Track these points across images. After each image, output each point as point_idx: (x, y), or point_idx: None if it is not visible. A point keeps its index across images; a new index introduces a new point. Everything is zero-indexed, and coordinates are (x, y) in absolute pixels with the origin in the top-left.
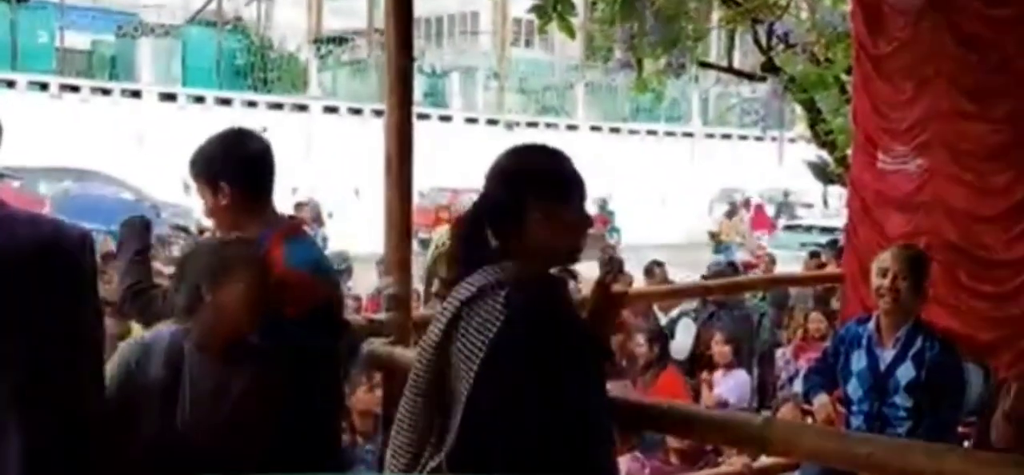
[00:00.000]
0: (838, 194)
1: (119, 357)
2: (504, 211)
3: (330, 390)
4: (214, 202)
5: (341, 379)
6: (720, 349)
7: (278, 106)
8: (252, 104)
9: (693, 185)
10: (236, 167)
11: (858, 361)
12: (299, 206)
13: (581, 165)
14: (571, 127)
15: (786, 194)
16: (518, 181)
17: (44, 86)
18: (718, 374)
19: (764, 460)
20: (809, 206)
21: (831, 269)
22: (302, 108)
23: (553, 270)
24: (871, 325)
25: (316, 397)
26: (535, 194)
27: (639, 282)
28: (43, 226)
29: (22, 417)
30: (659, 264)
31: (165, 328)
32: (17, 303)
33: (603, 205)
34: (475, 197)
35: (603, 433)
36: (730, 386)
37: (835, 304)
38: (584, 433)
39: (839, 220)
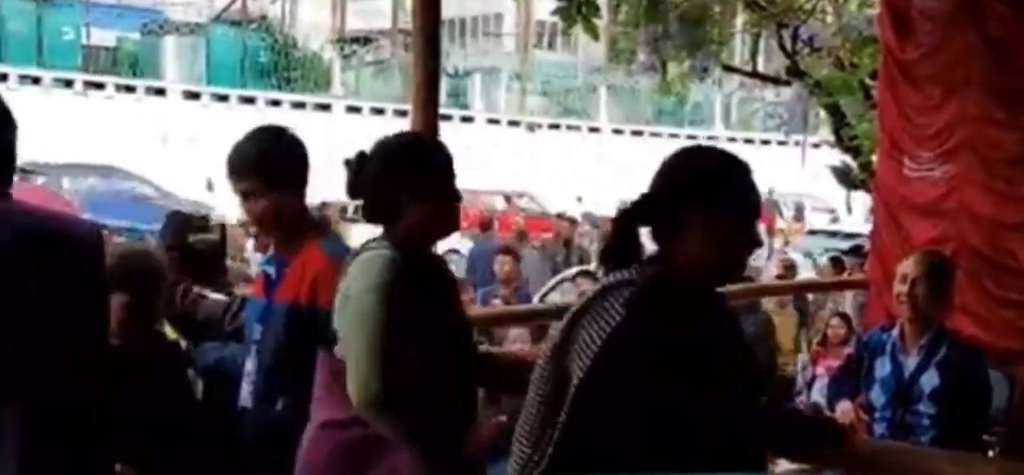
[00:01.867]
0: (862, 200)
1: None
2: (663, 214)
3: None
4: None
5: None
6: None
7: (301, 105)
8: (275, 103)
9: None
10: (270, 166)
11: (882, 368)
12: (324, 205)
13: (602, 167)
14: (593, 129)
15: (798, 206)
16: (684, 184)
17: (69, 83)
18: None
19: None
20: (831, 212)
21: (857, 275)
22: (325, 107)
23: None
24: (895, 332)
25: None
26: (700, 202)
27: None
28: (50, 222)
29: (22, 410)
30: None
31: None
32: (18, 297)
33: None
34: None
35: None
36: None
37: (847, 309)
38: (697, 450)
39: (862, 226)
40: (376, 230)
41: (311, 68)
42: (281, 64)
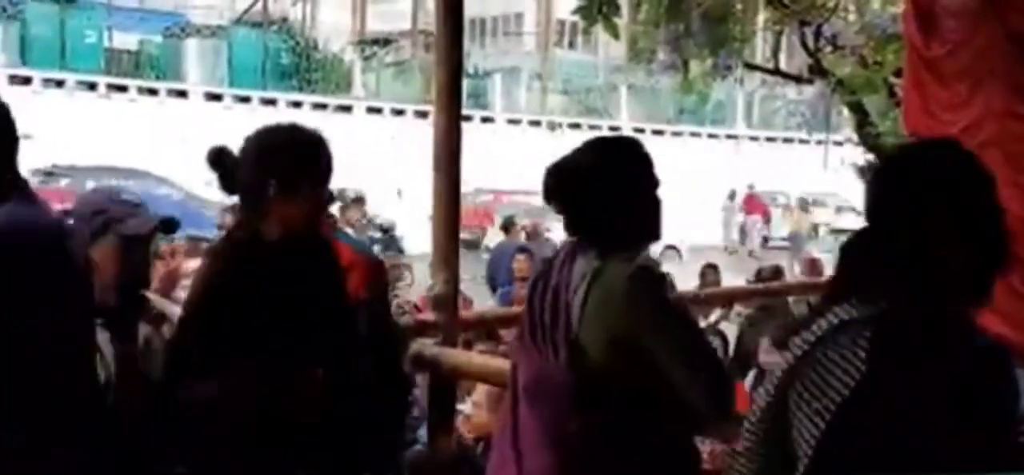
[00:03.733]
0: None
1: None
2: (902, 230)
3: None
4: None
5: None
6: (769, 357)
7: (322, 106)
8: (297, 104)
9: (738, 188)
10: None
11: None
12: (345, 207)
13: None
14: (614, 129)
15: (802, 199)
16: (927, 193)
17: (92, 86)
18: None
19: None
20: (854, 210)
21: None
22: (346, 109)
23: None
24: None
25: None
26: (947, 214)
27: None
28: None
29: None
30: (713, 267)
31: None
32: None
33: None
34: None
35: None
36: None
37: None
38: None
39: None
40: (418, 233)
41: (332, 70)
42: (302, 66)
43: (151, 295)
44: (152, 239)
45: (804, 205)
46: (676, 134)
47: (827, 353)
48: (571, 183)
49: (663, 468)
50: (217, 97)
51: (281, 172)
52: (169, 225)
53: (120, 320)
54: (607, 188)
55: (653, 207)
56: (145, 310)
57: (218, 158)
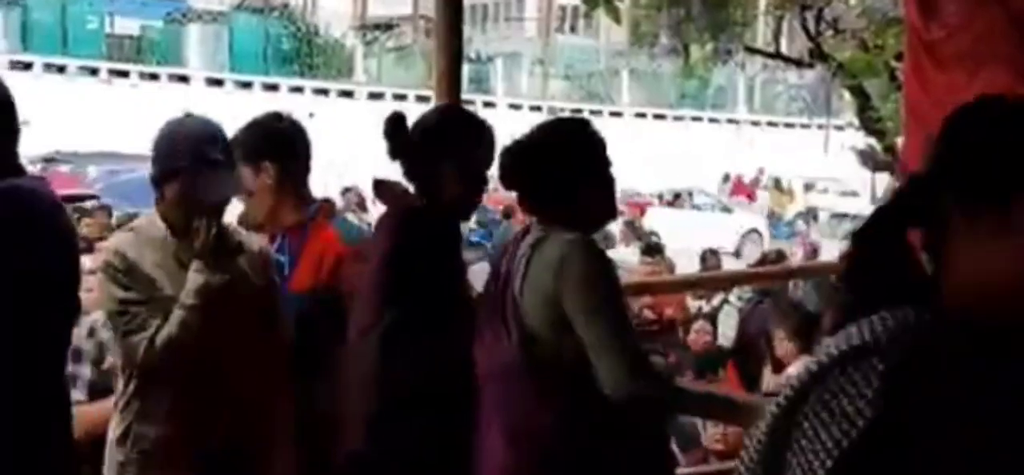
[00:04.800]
0: (887, 182)
1: None
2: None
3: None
4: (256, 182)
5: None
6: (784, 348)
7: (324, 92)
8: (298, 90)
9: (741, 171)
10: (279, 147)
11: None
12: (345, 191)
13: (625, 151)
14: (615, 114)
15: (777, 179)
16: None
17: (94, 71)
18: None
19: None
20: (855, 195)
21: None
22: (347, 94)
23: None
24: None
25: None
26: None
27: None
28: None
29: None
30: (713, 252)
31: None
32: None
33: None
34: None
35: None
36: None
37: None
38: None
39: None
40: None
41: (333, 55)
42: (303, 51)
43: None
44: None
45: (778, 184)
46: (677, 119)
47: (837, 382)
48: (525, 164)
49: (629, 463)
50: (218, 82)
51: (456, 152)
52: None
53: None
54: (560, 169)
55: (607, 187)
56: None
57: (395, 126)
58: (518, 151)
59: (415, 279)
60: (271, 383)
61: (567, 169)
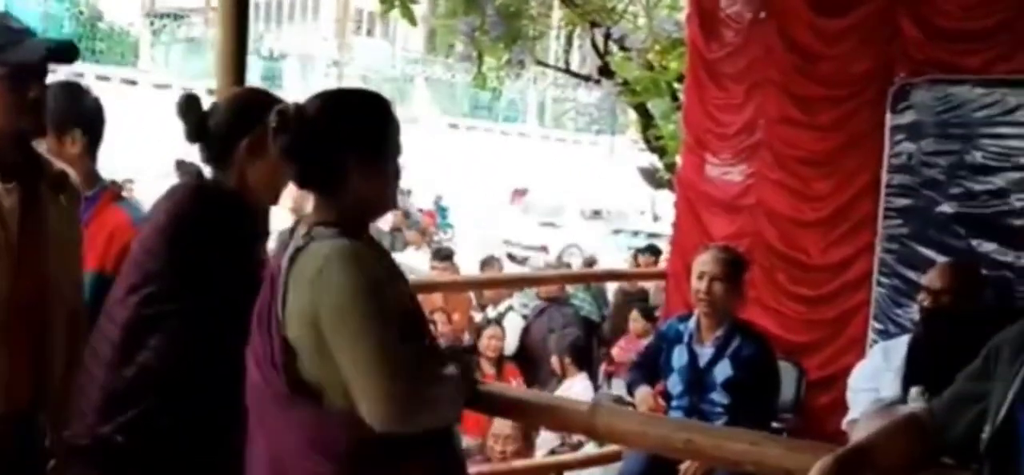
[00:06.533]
0: (668, 200)
1: None
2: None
3: None
4: (60, 150)
5: None
6: (560, 362)
7: (106, 78)
8: (78, 75)
9: (526, 184)
10: (87, 116)
11: (679, 357)
12: (112, 183)
13: (418, 158)
14: (410, 120)
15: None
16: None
17: None
18: (565, 384)
19: (590, 449)
20: (642, 213)
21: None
22: (131, 82)
23: None
24: (692, 323)
25: None
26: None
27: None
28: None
29: None
30: (495, 258)
31: None
32: None
33: (437, 201)
34: None
35: None
36: (577, 392)
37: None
38: None
39: (664, 226)
40: None
41: (118, 41)
42: (86, 35)
43: (45, 153)
44: (45, 71)
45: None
46: (470, 129)
47: None
48: (298, 131)
49: None
50: None
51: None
52: (65, 52)
53: (22, 174)
54: (329, 143)
55: (383, 173)
56: (45, 168)
57: (189, 106)
58: (294, 115)
59: (191, 251)
60: (71, 351)
61: (336, 145)
